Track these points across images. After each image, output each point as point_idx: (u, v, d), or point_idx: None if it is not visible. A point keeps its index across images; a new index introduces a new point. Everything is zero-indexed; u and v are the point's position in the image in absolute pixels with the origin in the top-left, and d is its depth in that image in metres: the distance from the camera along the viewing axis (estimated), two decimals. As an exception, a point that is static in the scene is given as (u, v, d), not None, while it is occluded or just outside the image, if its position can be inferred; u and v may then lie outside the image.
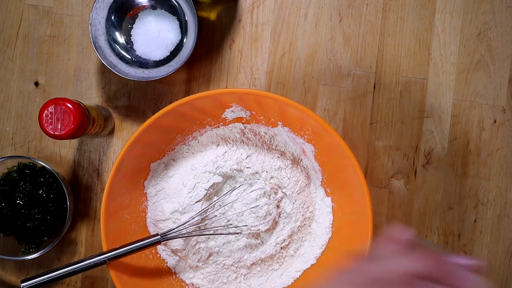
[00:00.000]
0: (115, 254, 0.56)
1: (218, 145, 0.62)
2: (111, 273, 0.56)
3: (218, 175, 0.61)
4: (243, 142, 0.62)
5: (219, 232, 0.61)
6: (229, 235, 0.62)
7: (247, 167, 0.62)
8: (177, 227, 0.58)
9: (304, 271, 0.63)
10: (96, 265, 0.55)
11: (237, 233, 0.62)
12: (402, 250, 0.37)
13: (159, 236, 0.57)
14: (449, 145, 0.66)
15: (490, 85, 0.66)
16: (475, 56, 0.66)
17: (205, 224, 0.62)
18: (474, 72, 0.66)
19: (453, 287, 0.35)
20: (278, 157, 0.62)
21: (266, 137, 0.63)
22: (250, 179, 0.62)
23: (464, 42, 0.66)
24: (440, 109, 0.66)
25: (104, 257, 0.55)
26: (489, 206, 0.66)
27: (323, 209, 0.63)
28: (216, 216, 0.62)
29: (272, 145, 0.63)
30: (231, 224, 0.62)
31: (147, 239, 0.57)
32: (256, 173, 0.62)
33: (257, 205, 0.61)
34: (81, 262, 0.55)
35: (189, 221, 0.59)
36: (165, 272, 0.63)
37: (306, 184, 0.63)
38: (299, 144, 0.63)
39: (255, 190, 0.61)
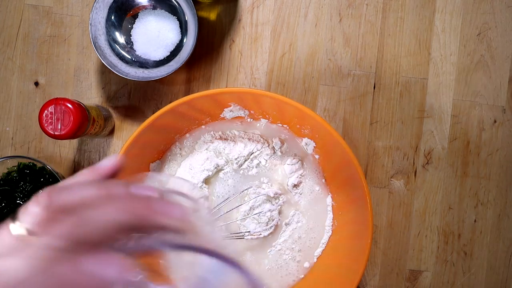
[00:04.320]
0: None
1: (216, 143, 0.62)
2: None
3: (212, 170, 0.61)
4: (242, 138, 0.62)
5: None
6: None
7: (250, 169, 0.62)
8: None
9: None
10: None
11: (239, 239, 0.62)
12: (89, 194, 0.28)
13: None
14: (449, 145, 0.66)
15: (490, 85, 0.66)
16: (475, 56, 0.66)
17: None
18: (474, 72, 0.66)
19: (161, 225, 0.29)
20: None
21: (265, 136, 0.63)
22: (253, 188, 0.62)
23: (464, 42, 0.66)
24: (440, 109, 0.66)
25: None
26: (489, 206, 0.66)
27: (323, 207, 0.63)
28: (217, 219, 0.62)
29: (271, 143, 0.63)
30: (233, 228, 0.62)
31: None
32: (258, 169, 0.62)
33: (260, 212, 0.61)
34: None
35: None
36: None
37: (307, 183, 0.63)
38: (298, 143, 0.63)
39: (259, 196, 0.61)
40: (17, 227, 0.27)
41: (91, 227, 0.27)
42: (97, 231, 0.27)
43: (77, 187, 0.29)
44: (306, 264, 0.63)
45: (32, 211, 0.27)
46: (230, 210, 0.62)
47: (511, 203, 0.66)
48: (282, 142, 0.63)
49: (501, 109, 0.66)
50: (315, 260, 0.63)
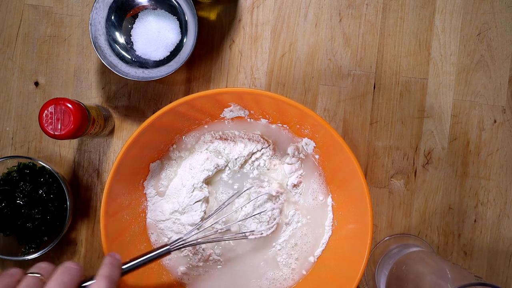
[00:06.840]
0: (124, 270, 0.52)
1: (216, 143, 0.62)
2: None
3: (213, 170, 0.61)
4: (242, 138, 0.62)
5: (224, 238, 0.61)
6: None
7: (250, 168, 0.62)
8: (185, 236, 0.56)
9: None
10: None
11: (242, 239, 0.62)
12: None
13: (168, 247, 0.54)
14: (449, 145, 0.66)
15: (490, 85, 0.66)
16: (475, 56, 0.66)
17: (210, 230, 0.62)
18: (474, 72, 0.66)
19: None
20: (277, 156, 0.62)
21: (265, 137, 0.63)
22: (255, 185, 0.62)
23: (464, 42, 0.66)
24: (440, 109, 0.66)
25: None
26: (489, 206, 0.66)
27: (323, 207, 0.63)
28: (219, 220, 0.62)
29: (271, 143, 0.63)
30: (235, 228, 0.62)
31: (156, 251, 0.54)
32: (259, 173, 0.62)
33: (262, 211, 0.61)
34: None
35: (194, 229, 0.59)
36: (165, 272, 0.63)
37: (307, 183, 0.63)
38: (298, 143, 0.63)
39: (261, 195, 0.61)
40: None
41: None
42: None
43: None
44: (306, 264, 0.63)
45: None
46: (231, 211, 0.62)
47: (511, 203, 0.66)
48: (298, 150, 0.62)
49: (501, 109, 0.66)
50: (315, 260, 0.63)
